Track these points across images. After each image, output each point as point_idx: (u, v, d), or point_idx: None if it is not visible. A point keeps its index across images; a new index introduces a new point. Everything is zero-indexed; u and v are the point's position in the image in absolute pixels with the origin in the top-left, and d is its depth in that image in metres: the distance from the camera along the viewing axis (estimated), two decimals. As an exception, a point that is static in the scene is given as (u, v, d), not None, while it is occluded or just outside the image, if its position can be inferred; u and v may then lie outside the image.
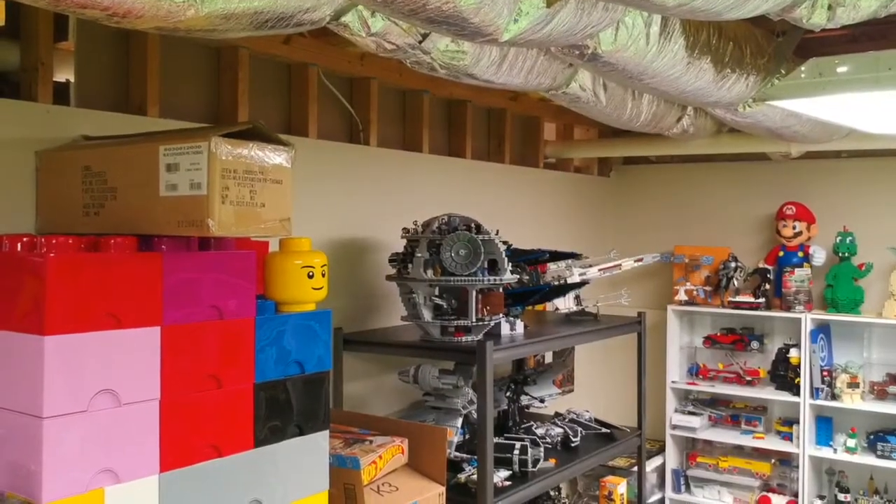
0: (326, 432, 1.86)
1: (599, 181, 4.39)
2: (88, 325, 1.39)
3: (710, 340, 4.10)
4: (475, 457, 2.46)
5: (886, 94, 1.98)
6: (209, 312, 1.59)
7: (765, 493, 3.86)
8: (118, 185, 1.61)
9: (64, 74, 2.12)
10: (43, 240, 1.45)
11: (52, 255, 1.39)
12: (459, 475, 2.49)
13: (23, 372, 1.36)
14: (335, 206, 2.73)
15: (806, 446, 3.68)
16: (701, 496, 4.01)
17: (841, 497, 3.69)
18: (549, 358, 3.64)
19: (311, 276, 1.79)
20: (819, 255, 3.79)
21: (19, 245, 1.49)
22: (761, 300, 3.86)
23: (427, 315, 2.54)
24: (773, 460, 3.92)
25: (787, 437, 3.80)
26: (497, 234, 2.56)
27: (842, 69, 1.90)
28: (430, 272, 2.51)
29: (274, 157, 1.62)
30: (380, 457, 2.07)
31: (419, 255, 2.51)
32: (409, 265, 2.54)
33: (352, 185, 2.80)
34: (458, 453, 2.62)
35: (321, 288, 1.82)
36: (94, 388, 1.39)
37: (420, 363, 2.74)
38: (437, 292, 2.54)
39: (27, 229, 1.76)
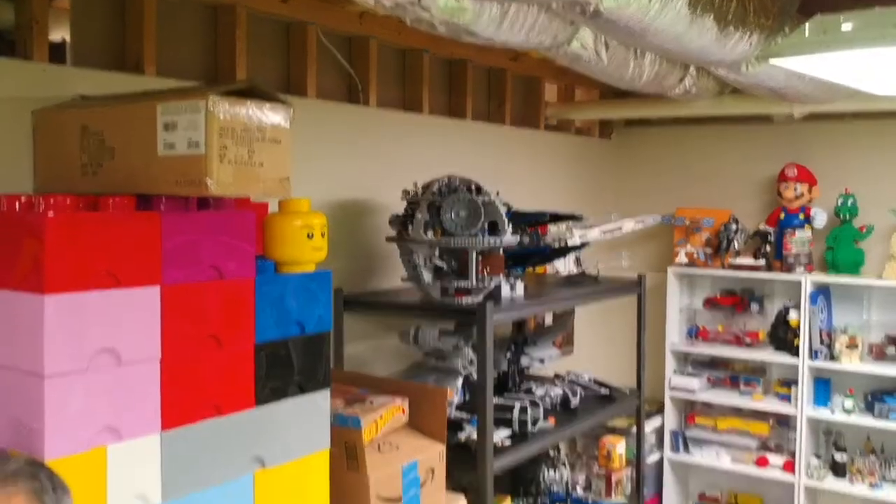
0: (327, 392, 1.87)
1: (601, 143, 4.36)
2: (88, 284, 1.39)
3: (709, 302, 4.11)
4: (475, 416, 2.47)
5: (892, 51, 1.95)
6: (209, 272, 1.59)
7: (762, 454, 3.89)
8: (116, 145, 1.60)
9: (60, 33, 2.10)
10: (41, 199, 1.44)
11: (50, 214, 1.38)
12: (459, 434, 2.51)
13: (23, 331, 1.36)
14: (334, 167, 2.72)
15: (804, 407, 3.71)
16: (699, 456, 4.05)
17: (838, 457, 3.72)
18: (549, 320, 3.65)
19: (310, 237, 1.79)
20: (820, 217, 3.79)
21: (17, 204, 1.48)
22: (762, 262, 3.86)
23: (427, 276, 2.55)
24: (770, 421, 3.95)
25: (786, 398, 3.82)
26: (498, 195, 2.55)
27: (846, 26, 1.88)
28: (430, 234, 2.50)
29: (272, 116, 1.61)
30: (380, 416, 2.08)
31: (419, 216, 2.50)
32: (410, 226, 2.54)
33: (351, 145, 2.79)
34: (458, 413, 2.64)
35: (321, 249, 1.82)
36: (94, 347, 1.40)
37: (420, 324, 2.75)
38: (437, 254, 2.54)
39: (25, 189, 1.75)
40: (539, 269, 3.48)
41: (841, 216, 3.76)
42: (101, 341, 1.41)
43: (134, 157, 1.57)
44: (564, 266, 3.52)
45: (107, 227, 1.43)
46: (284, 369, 1.75)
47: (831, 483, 3.69)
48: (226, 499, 1.62)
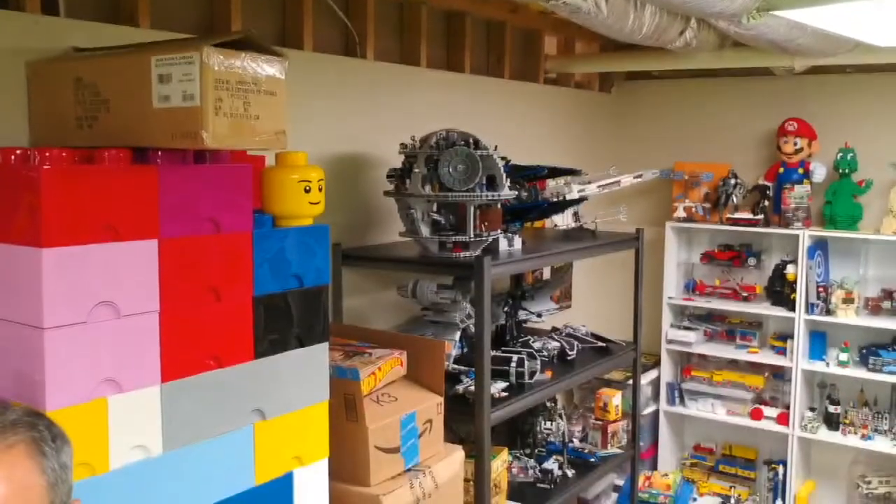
0: (326, 345, 1.88)
1: (600, 97, 4.33)
2: (85, 237, 1.39)
3: (707, 257, 4.13)
4: (473, 369, 2.50)
5: (893, 1, 1.93)
6: (206, 226, 1.59)
7: (757, 406, 3.94)
8: (111, 97, 1.59)
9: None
10: (36, 152, 1.43)
11: (46, 167, 1.37)
12: (457, 386, 2.54)
13: (22, 284, 1.37)
14: (331, 121, 2.70)
15: (799, 360, 3.74)
16: (694, 408, 4.10)
17: (831, 409, 3.77)
18: (546, 274, 3.67)
19: (307, 191, 1.78)
20: (819, 172, 3.78)
21: (13, 158, 1.48)
22: (760, 217, 3.86)
23: (425, 231, 2.55)
24: (766, 374, 3.99)
25: (781, 351, 3.86)
26: (496, 149, 2.54)
27: (849, -24, 1.85)
28: (427, 188, 2.50)
29: (267, 68, 1.59)
30: (379, 368, 2.10)
31: (417, 170, 2.50)
32: (407, 181, 2.53)
33: (348, 99, 2.77)
34: (456, 366, 2.67)
35: (318, 203, 1.82)
36: (93, 300, 1.40)
37: (418, 278, 2.76)
38: (435, 208, 2.54)
39: (20, 142, 1.74)
40: (537, 224, 3.48)
41: (840, 170, 3.75)
42: (100, 294, 1.42)
43: (129, 110, 1.56)
44: (562, 220, 3.52)
45: (103, 181, 1.43)
46: (283, 322, 1.76)
47: (824, 435, 3.74)
48: (226, 450, 1.65)
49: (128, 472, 1.47)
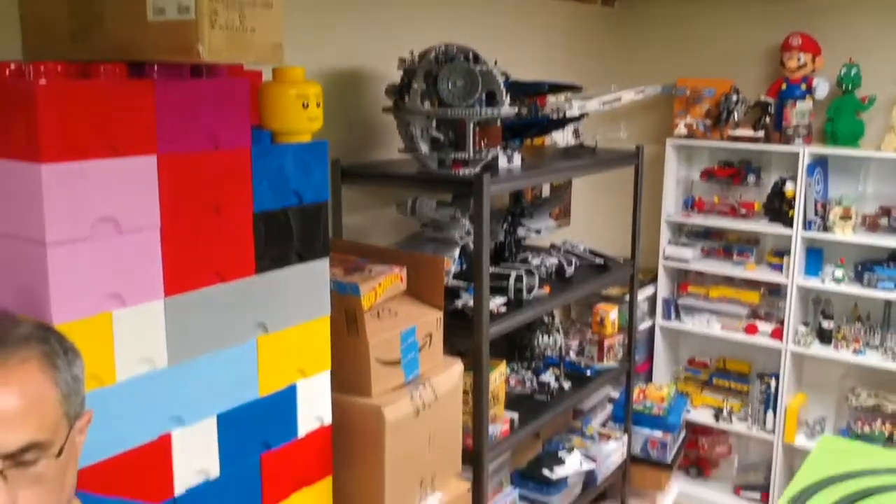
0: (326, 260, 1.91)
1: (603, 11, 4.24)
2: (84, 153, 1.39)
3: (707, 174, 4.12)
4: (472, 285, 2.53)
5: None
6: (205, 142, 1.59)
7: (752, 321, 4.00)
8: (104, 10, 1.56)
9: None
10: (31, 67, 1.42)
11: (41, 82, 1.36)
12: (457, 302, 2.57)
13: (23, 200, 1.38)
14: (329, 35, 2.66)
15: (795, 276, 3.77)
16: (690, 323, 4.16)
17: (825, 324, 3.82)
18: (546, 191, 3.67)
19: (305, 107, 1.78)
20: (822, 88, 3.73)
21: (7, 72, 1.46)
22: (761, 134, 3.84)
23: (424, 148, 2.54)
24: (761, 290, 4.03)
25: (778, 268, 3.89)
26: (496, 64, 2.50)
27: None
28: (426, 104, 2.48)
29: (263, -21, 1.56)
30: (379, 284, 2.13)
31: (416, 86, 2.47)
32: (406, 97, 2.51)
33: (346, 13, 2.71)
34: (455, 281, 2.70)
35: (316, 119, 1.81)
36: (94, 216, 1.42)
37: (418, 195, 2.77)
38: (434, 124, 2.52)
39: (13, 55, 1.72)
40: (537, 141, 3.46)
41: (843, 86, 3.71)
42: (101, 210, 1.43)
43: (123, 23, 1.54)
44: (563, 137, 3.50)
45: (100, 96, 1.42)
46: (283, 238, 1.78)
47: (817, 349, 3.81)
48: (230, 363, 1.69)
49: (134, 384, 1.51)
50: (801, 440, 3.90)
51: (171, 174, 1.52)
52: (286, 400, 1.84)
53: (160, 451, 1.57)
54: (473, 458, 2.52)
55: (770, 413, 3.93)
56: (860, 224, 3.74)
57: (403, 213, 2.79)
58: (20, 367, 1.05)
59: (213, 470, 1.68)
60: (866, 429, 3.75)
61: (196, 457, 1.64)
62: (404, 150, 2.62)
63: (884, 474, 2.34)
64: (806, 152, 3.67)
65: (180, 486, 1.62)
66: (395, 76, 2.57)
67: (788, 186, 3.77)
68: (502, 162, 2.73)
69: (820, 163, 3.78)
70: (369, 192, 2.90)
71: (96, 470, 1.44)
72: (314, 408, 1.92)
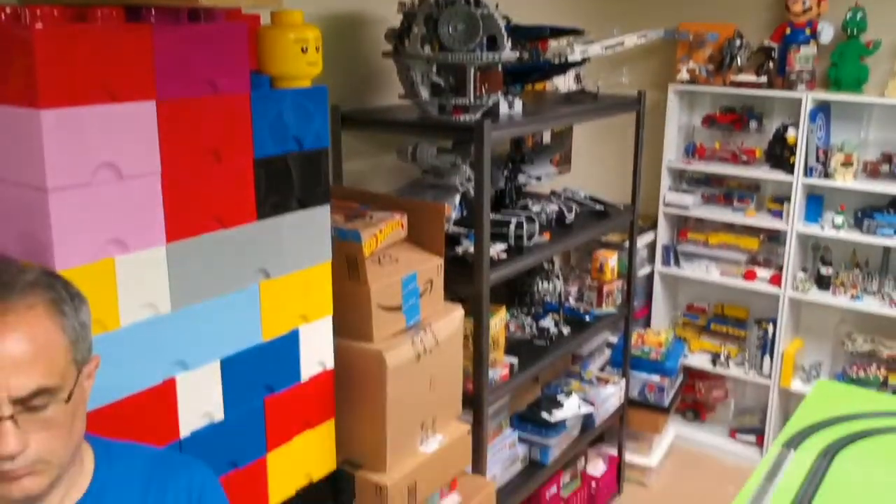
0: (327, 206, 1.91)
1: (605, -48, 4.17)
2: (83, 98, 1.38)
3: (708, 120, 4.09)
4: (472, 231, 2.53)
5: None
6: (203, 87, 1.58)
7: (750, 267, 4.01)
8: (99, -48, 1.53)
9: None
10: (27, 10, 1.40)
11: (38, 26, 1.35)
12: (457, 248, 2.58)
13: (23, 146, 1.37)
14: (328, -22, 2.62)
15: (795, 223, 3.78)
16: (689, 270, 4.18)
17: (823, 270, 3.84)
18: (547, 138, 3.65)
19: (304, 51, 1.76)
20: (827, 32, 3.69)
21: (3, 16, 1.45)
22: (763, 79, 3.80)
23: (425, 93, 2.52)
24: (761, 236, 4.04)
25: (778, 214, 3.89)
26: (497, 8, 2.47)
27: None
28: (427, 48, 2.45)
29: (260, -80, 1.54)
30: (380, 231, 2.13)
31: (416, 30, 2.44)
32: (406, 41, 2.48)
33: (344, -46, 2.67)
34: (455, 228, 2.71)
35: (315, 63, 1.80)
36: (95, 162, 1.41)
37: (418, 142, 2.75)
38: (434, 70, 2.50)
39: (9, 0, 1.70)
40: (538, 86, 3.44)
41: (848, 31, 3.66)
42: (101, 156, 1.42)
43: (119, -34, 1.52)
44: (564, 83, 3.47)
45: (98, 40, 1.40)
46: (284, 185, 1.78)
47: (815, 295, 3.83)
48: (233, 308, 1.70)
49: (138, 329, 1.52)
50: (796, 385, 3.96)
51: (170, 120, 1.52)
52: (289, 345, 1.86)
53: (165, 394, 1.60)
54: (473, 401, 2.56)
55: (767, 358, 3.98)
56: (861, 171, 3.73)
57: (404, 159, 2.78)
58: (27, 314, 1.06)
59: (218, 413, 1.71)
60: (861, 373, 3.80)
61: (200, 400, 1.67)
62: (404, 95, 2.60)
63: (877, 417, 2.38)
64: (809, 98, 3.64)
65: (185, 428, 1.65)
66: (395, 20, 2.54)
67: (790, 133, 3.75)
68: (503, 108, 2.71)
69: (822, 109, 3.75)
70: (369, 139, 2.89)
71: (102, 413, 1.46)
72: (316, 352, 1.94)
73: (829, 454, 2.17)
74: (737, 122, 4.03)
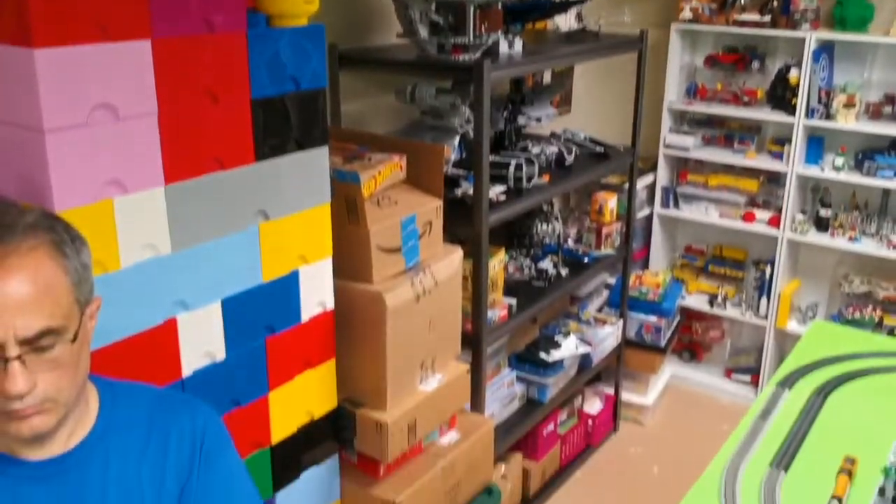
0: (325, 148, 1.90)
1: None
2: (77, 37, 1.37)
3: (710, 60, 4.04)
4: (472, 173, 2.53)
5: None
6: (199, 25, 1.56)
7: (750, 209, 4.01)
8: None
9: None
10: (18, -53, 1.37)
11: (29, -38, 1.33)
12: (456, 190, 2.58)
13: (18, 87, 1.36)
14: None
15: (795, 165, 3.77)
16: (688, 211, 4.18)
17: (822, 212, 3.84)
18: (547, 78, 3.61)
19: (301, -12, 1.73)
20: (833, -31, 3.62)
21: (-6, -48, 1.42)
22: (767, 18, 3.75)
23: (423, 32, 2.48)
24: (761, 178, 4.03)
25: (778, 156, 3.87)
26: (496, -57, 2.42)
27: None
28: (425, -14, 2.41)
29: None
30: (379, 172, 2.13)
31: (414, -34, 2.40)
32: (404, -22, 2.44)
33: None
34: (455, 170, 2.70)
35: (312, 0, 1.77)
36: (91, 102, 1.40)
37: (417, 82, 2.72)
38: (433, 8, 2.46)
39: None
40: (538, 25, 3.39)
41: (855, -33, 3.60)
42: (97, 96, 1.41)
43: None
44: (565, 22, 3.42)
45: (90, -23, 1.38)
46: (282, 125, 1.77)
47: (813, 237, 3.84)
48: (233, 249, 1.71)
49: (139, 270, 1.53)
50: (792, 325, 3.99)
51: (166, 59, 1.50)
52: (289, 286, 1.87)
53: (166, 334, 1.61)
54: (472, 341, 2.59)
55: (764, 299, 4.00)
56: (863, 112, 3.70)
57: (402, 100, 2.75)
58: (30, 255, 1.06)
59: (219, 353, 1.73)
60: (857, 314, 3.83)
61: (202, 340, 1.69)
62: (403, 34, 2.56)
63: (870, 357, 2.41)
64: (812, 38, 3.59)
65: (188, 368, 1.67)
66: (393, -44, 2.49)
67: (793, 73, 3.71)
68: (503, 47, 2.68)
69: (826, 49, 3.71)
70: (367, 79, 2.86)
71: (105, 353, 1.48)
72: (316, 294, 1.96)
73: (822, 393, 2.20)
74: (739, 62, 3.98)
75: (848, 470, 1.82)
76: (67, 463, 1.18)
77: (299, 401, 1.97)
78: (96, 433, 1.21)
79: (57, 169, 1.37)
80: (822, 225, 3.85)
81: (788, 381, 2.27)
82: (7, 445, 1.15)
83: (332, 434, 2.11)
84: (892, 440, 1.96)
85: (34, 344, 1.05)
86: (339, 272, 2.01)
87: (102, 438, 1.21)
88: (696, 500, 1.77)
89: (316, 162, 1.87)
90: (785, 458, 1.90)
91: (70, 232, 1.14)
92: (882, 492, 1.77)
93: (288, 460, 1.98)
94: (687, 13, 3.93)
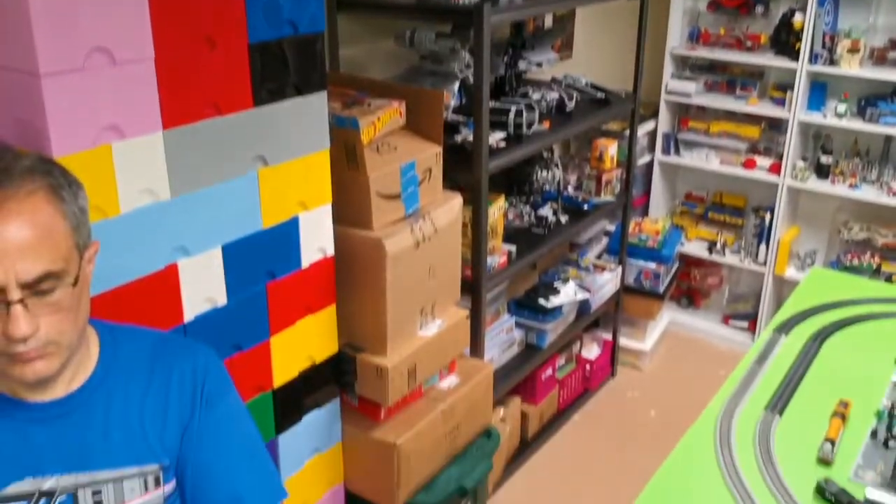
0: (324, 93, 1.89)
1: None
2: (71, -21, 1.35)
3: (714, 5, 3.98)
4: (471, 119, 2.51)
5: None
6: (195, -33, 1.54)
7: (751, 156, 4.00)
8: None
9: None
10: None
11: None
12: (456, 136, 2.57)
13: (13, 30, 1.34)
14: None
15: (797, 111, 3.74)
16: (689, 158, 4.16)
17: (823, 159, 3.83)
18: (548, 22, 3.56)
19: (298, -71, 1.70)
20: None
21: None
22: (773, -40, 3.68)
23: (422, -26, 2.45)
24: (762, 125, 4.00)
25: (780, 102, 3.84)
26: None
27: None
28: (424, -74, 2.36)
29: None
30: (378, 118, 2.12)
31: None
32: (403, -82, 2.39)
33: None
34: (454, 116, 2.68)
35: (310, -58, 1.74)
36: (87, 46, 1.39)
37: (416, 26, 2.69)
38: (432, -51, 2.42)
39: None
40: (539, -32, 3.32)
41: None
42: (93, 40, 1.40)
43: None
44: (566, -36, 3.36)
45: (82, -83, 1.36)
46: (280, 70, 1.75)
47: (813, 184, 3.83)
48: (232, 194, 1.71)
49: (138, 216, 1.53)
50: (791, 272, 4.01)
51: (162, 3, 1.48)
52: (289, 232, 1.87)
53: (168, 279, 1.62)
54: (472, 287, 2.60)
55: (763, 246, 4.01)
56: (868, 57, 3.66)
57: (402, 45, 2.72)
58: (28, 200, 1.07)
59: (221, 298, 1.74)
60: (855, 261, 3.85)
61: (203, 286, 1.70)
62: (402, -23, 2.52)
63: (867, 304, 2.42)
64: (818, -20, 3.53)
65: (189, 312, 1.68)
66: None
67: (797, 17, 3.66)
68: (503, -9, 2.64)
69: (832, -9, 3.65)
70: (366, 23, 2.82)
71: (107, 298, 1.49)
72: (316, 240, 1.96)
73: (819, 338, 2.22)
74: (743, 6, 3.92)
75: (841, 413, 1.85)
76: (70, 405, 1.20)
77: (300, 346, 1.99)
78: (98, 375, 1.23)
79: (54, 114, 1.36)
80: (822, 172, 3.83)
81: (785, 327, 2.29)
82: (11, 388, 1.17)
83: (333, 378, 2.14)
84: (887, 384, 1.99)
85: (35, 287, 1.06)
86: (338, 219, 2.02)
87: (104, 380, 1.23)
88: (692, 443, 1.80)
89: (314, 107, 1.86)
90: (780, 402, 1.93)
91: (67, 176, 1.14)
92: (874, 434, 1.80)
93: (290, 404, 2.01)
94: (691, -45, 3.86)
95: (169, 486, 1.26)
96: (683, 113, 4.21)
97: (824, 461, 1.72)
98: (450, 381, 2.39)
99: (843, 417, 1.84)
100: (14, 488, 1.14)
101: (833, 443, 1.74)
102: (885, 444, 1.76)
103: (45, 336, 1.09)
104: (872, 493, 1.58)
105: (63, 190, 1.12)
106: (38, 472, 1.16)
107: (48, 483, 1.16)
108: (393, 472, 2.15)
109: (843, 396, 1.92)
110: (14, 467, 1.15)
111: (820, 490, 1.61)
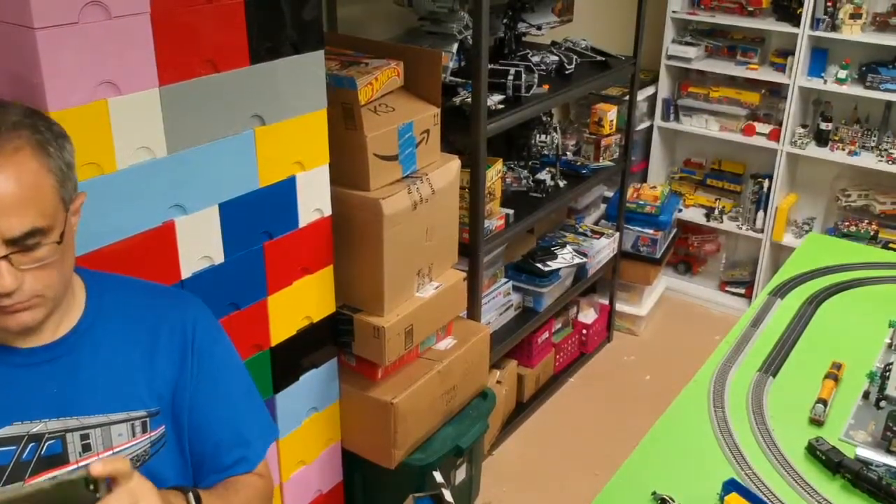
0: (321, 53, 1.87)
1: None
2: (65, -69, 1.33)
3: (717, -32, 3.95)
4: (470, 81, 2.50)
5: None
6: (191, -79, 1.52)
7: (750, 122, 3.98)
8: None
9: None
10: None
11: None
12: (454, 98, 2.56)
13: (7, -18, 1.33)
14: None
15: (798, 77, 3.72)
16: (688, 124, 4.15)
17: (823, 126, 3.81)
18: (548, -16, 3.53)
19: None
20: None
21: None
22: (777, -78, 3.64)
23: (421, -67, 2.42)
24: (763, 91, 3.98)
25: (781, 68, 3.82)
26: None
27: None
28: None
29: None
30: (376, 79, 2.10)
31: None
32: None
33: None
34: (453, 78, 2.66)
35: None
36: (81, 0, 1.38)
37: (415, -14, 2.67)
38: None
39: None
40: (540, -72, 3.29)
41: None
42: (88, -6, 1.38)
43: None
44: (567, -75, 3.32)
45: None
46: (277, 28, 1.74)
47: (812, 150, 3.82)
48: (228, 153, 1.70)
49: (135, 172, 1.53)
50: (788, 239, 4.02)
51: (157, -44, 1.47)
52: (286, 191, 1.87)
53: (164, 237, 1.62)
54: (469, 250, 2.61)
55: (760, 213, 4.02)
56: (870, 23, 3.63)
57: (400, 4, 2.70)
58: (14, 156, 1.06)
59: (218, 256, 1.75)
60: (853, 228, 3.85)
61: (200, 244, 1.70)
62: (400, -64, 2.49)
63: (863, 268, 2.43)
64: (822, -56, 3.49)
65: (186, 270, 1.69)
66: None
67: (800, -19, 3.63)
68: (503, -50, 2.61)
69: (835, -45, 3.61)
70: (364, -17, 2.79)
71: (104, 253, 1.49)
72: (314, 200, 1.96)
73: (814, 302, 2.23)
74: (746, -31, 3.89)
75: (834, 374, 1.86)
76: (57, 350, 1.20)
77: (298, 305, 2.00)
78: (85, 322, 1.23)
79: (49, 68, 1.35)
80: (822, 139, 3.82)
81: (781, 291, 2.30)
82: None
83: (330, 338, 2.15)
84: (880, 347, 2.00)
85: (20, 244, 1.07)
86: (336, 179, 2.01)
87: (91, 326, 1.24)
88: (686, 404, 1.82)
89: (311, 66, 1.85)
90: (774, 364, 1.95)
91: (53, 129, 1.13)
92: (866, 395, 1.82)
93: (287, 363, 2.02)
94: (694, -83, 3.81)
95: (156, 433, 1.28)
96: (683, 78, 4.19)
97: (816, 421, 1.74)
98: (447, 343, 2.40)
99: (836, 379, 1.86)
100: (2, 432, 1.15)
101: (825, 403, 1.76)
102: (877, 404, 1.77)
103: (31, 290, 1.10)
104: (863, 451, 1.60)
105: (49, 145, 1.11)
106: (26, 417, 1.17)
107: (36, 427, 1.17)
108: (389, 430, 2.17)
109: (837, 358, 1.93)
110: (1, 412, 1.16)
111: (811, 449, 1.63)
